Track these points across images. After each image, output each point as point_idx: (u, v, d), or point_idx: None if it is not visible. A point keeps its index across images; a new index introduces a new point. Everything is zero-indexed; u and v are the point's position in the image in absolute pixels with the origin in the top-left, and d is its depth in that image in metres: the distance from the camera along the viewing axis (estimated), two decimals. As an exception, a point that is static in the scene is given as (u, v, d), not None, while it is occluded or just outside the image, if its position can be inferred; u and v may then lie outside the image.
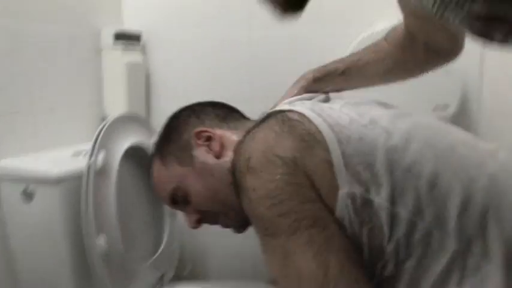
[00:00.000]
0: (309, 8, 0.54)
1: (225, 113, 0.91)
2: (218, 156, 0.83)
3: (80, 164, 1.04)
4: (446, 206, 0.63)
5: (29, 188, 1.01)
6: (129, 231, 1.15)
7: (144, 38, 1.48)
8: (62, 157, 1.14)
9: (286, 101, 0.86)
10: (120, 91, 1.40)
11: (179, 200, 0.87)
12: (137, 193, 1.23)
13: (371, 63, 0.89)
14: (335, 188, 0.64)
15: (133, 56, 1.43)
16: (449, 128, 0.76)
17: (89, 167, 1.00)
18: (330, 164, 0.65)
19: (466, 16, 0.43)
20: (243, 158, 0.69)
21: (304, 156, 0.66)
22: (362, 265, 0.64)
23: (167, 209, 1.29)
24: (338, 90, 0.91)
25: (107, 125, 1.07)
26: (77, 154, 1.17)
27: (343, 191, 0.64)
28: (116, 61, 1.39)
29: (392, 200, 0.63)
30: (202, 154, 0.84)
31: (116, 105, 1.41)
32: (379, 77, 0.91)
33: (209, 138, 0.84)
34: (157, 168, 0.89)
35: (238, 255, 1.52)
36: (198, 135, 0.85)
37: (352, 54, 0.93)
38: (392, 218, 0.63)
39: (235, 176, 0.70)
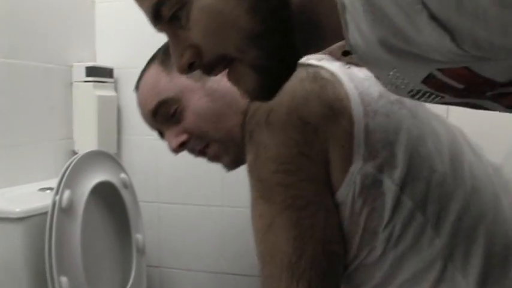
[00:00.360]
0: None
1: None
2: None
3: (45, 201, 1.02)
4: (448, 208, 0.63)
5: (-10, 226, 0.99)
6: (95, 270, 1.12)
7: (116, 73, 1.48)
8: (28, 194, 1.13)
9: (309, 56, 0.78)
10: (90, 125, 1.39)
11: (169, 114, 0.81)
12: (104, 229, 1.21)
13: None
14: (348, 162, 0.63)
15: (105, 90, 1.43)
16: (459, 131, 0.75)
17: (53, 205, 0.99)
18: (350, 136, 0.63)
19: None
20: (264, 107, 0.65)
21: (327, 124, 0.63)
22: (337, 259, 0.64)
23: (135, 245, 1.27)
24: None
25: (73, 162, 1.06)
26: (43, 190, 1.15)
27: (355, 167, 0.62)
28: (87, 94, 1.38)
29: (403, 186, 0.62)
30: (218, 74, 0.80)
31: (86, 139, 1.40)
32: None
33: None
34: (156, 73, 0.83)
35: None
36: None
37: None
38: (397, 203, 0.62)
39: (250, 120, 0.66)
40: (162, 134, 0.89)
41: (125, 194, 1.24)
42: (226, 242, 1.45)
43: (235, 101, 0.77)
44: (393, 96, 0.69)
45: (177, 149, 0.83)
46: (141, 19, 1.65)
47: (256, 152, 0.65)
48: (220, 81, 0.78)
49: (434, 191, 0.63)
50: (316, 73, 0.68)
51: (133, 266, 1.27)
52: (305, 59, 0.76)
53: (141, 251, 1.30)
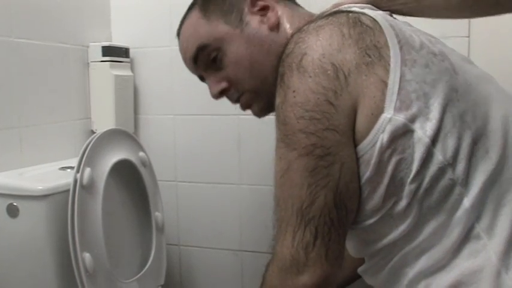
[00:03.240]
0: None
1: None
2: (272, 28, 0.78)
3: (67, 179, 1.03)
4: (478, 168, 0.63)
5: (13, 203, 1.00)
6: (116, 247, 1.14)
7: (132, 53, 1.48)
8: (49, 172, 1.14)
9: (351, 4, 0.76)
10: (108, 105, 1.40)
11: (209, 60, 0.82)
12: (124, 207, 1.23)
13: None
14: (379, 110, 0.62)
15: (122, 70, 1.43)
16: (506, 94, 0.73)
17: (75, 183, 1.00)
18: (384, 84, 0.62)
19: None
20: (298, 50, 0.65)
21: (360, 72, 0.62)
22: (346, 214, 0.65)
23: (155, 223, 1.28)
24: (404, 14, 0.79)
25: (93, 140, 1.06)
26: (63, 169, 1.16)
27: (386, 115, 0.61)
28: (104, 74, 1.39)
29: (435, 139, 0.61)
30: (255, 22, 0.79)
31: (104, 119, 1.41)
32: (456, 2, 0.74)
33: (265, 8, 0.79)
34: (196, 19, 0.83)
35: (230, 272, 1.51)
36: (254, 1, 0.80)
37: None
38: (427, 156, 0.61)
39: (283, 63, 0.66)
40: (203, 79, 0.90)
41: (143, 172, 1.25)
42: (244, 220, 1.46)
43: (273, 48, 0.77)
44: (436, 48, 0.68)
45: (218, 95, 0.85)
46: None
47: (285, 95, 0.65)
48: (259, 29, 0.79)
49: (466, 149, 0.62)
50: (357, 19, 0.67)
51: (153, 244, 1.29)
52: (348, 6, 0.75)
53: (161, 229, 1.31)
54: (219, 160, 1.45)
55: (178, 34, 0.88)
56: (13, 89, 1.13)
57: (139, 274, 1.21)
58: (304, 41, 0.65)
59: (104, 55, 1.38)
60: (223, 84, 0.84)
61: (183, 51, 0.86)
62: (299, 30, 0.69)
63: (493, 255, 0.61)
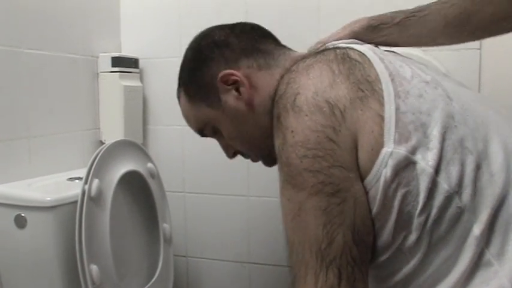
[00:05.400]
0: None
1: (252, 43, 0.82)
2: (249, 102, 0.79)
3: (75, 190, 1.03)
4: (484, 193, 0.61)
5: (21, 214, 1.00)
6: (123, 258, 1.13)
7: (141, 63, 1.48)
8: (57, 183, 1.14)
9: (336, 42, 0.77)
10: (117, 115, 1.40)
11: (211, 133, 0.87)
12: (132, 219, 1.22)
13: (433, 13, 0.78)
14: (379, 145, 0.61)
15: (131, 80, 1.43)
16: (504, 116, 0.72)
17: (83, 194, 0.99)
18: (380, 118, 0.61)
19: None
20: (291, 90, 0.65)
21: (355, 107, 0.62)
22: (366, 249, 0.63)
23: (162, 234, 1.28)
24: (389, 45, 0.80)
25: (101, 151, 1.06)
26: (71, 180, 1.16)
27: (387, 149, 0.61)
28: (113, 85, 1.39)
29: (438, 168, 0.60)
30: (231, 100, 0.80)
31: (113, 129, 1.41)
32: (438, 32, 0.79)
33: (236, 82, 0.79)
34: (184, 104, 0.87)
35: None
36: (225, 78, 0.80)
37: (417, 7, 0.80)
38: (433, 186, 0.60)
39: (277, 104, 0.66)
40: None
41: (152, 183, 1.24)
42: (252, 232, 1.45)
43: (257, 120, 0.79)
44: (428, 76, 0.68)
45: (231, 158, 0.91)
46: (165, 10, 1.67)
47: (284, 137, 0.64)
48: (237, 106, 0.80)
49: (471, 174, 0.61)
50: (345, 54, 0.67)
51: (161, 256, 1.28)
52: (333, 44, 0.76)
53: (168, 241, 1.31)
54: (228, 171, 1.45)
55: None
56: (22, 99, 1.14)
57: (147, 286, 1.20)
58: (295, 81, 0.66)
59: (113, 65, 1.39)
60: (232, 150, 0.89)
61: (185, 120, 0.91)
62: (288, 70, 0.70)
63: (506, 281, 0.59)
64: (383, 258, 0.66)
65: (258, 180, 1.42)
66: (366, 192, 0.63)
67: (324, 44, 0.80)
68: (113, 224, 1.06)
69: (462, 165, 0.61)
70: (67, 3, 1.29)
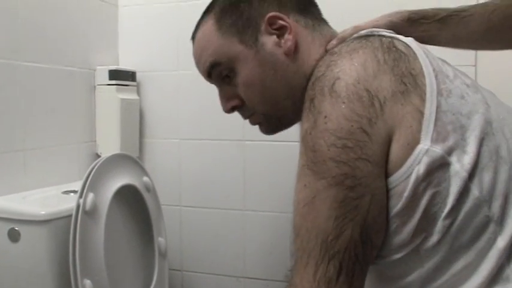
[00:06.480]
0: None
1: (305, 2, 0.79)
2: (287, 53, 0.74)
3: (69, 204, 1.03)
4: None
5: (15, 228, 1.00)
6: (117, 273, 1.12)
7: (138, 77, 1.49)
8: (52, 196, 1.13)
9: (376, 29, 0.73)
10: (113, 128, 1.40)
11: (220, 77, 0.79)
12: (127, 233, 1.21)
13: (476, 15, 0.75)
14: (415, 141, 0.59)
15: (128, 93, 1.43)
16: None
17: (77, 209, 0.99)
18: (420, 114, 0.59)
19: None
20: (331, 74, 0.62)
21: (397, 101, 0.60)
22: (371, 248, 0.62)
23: (157, 248, 1.27)
24: (425, 41, 0.75)
25: (97, 165, 1.06)
26: (66, 193, 1.16)
27: (423, 146, 0.58)
28: (110, 98, 1.39)
29: (472, 173, 0.59)
30: (270, 44, 0.75)
31: (109, 142, 1.41)
32: (479, 35, 0.76)
33: (283, 28, 0.75)
34: (210, 30, 0.78)
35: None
36: (272, 20, 0.75)
37: (460, 6, 0.78)
38: (464, 190, 0.58)
39: (313, 86, 0.63)
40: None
41: (147, 197, 1.24)
42: (248, 246, 1.44)
43: (287, 75, 0.75)
44: (468, 80, 0.66)
45: (229, 111, 0.83)
46: (163, 23, 1.67)
47: (315, 120, 0.61)
48: (274, 52, 0.75)
49: (503, 184, 0.60)
50: (391, 43, 0.65)
51: (156, 270, 1.27)
52: (377, 31, 0.73)
53: (163, 255, 1.30)
54: (224, 185, 1.44)
55: (193, 38, 0.85)
56: (19, 112, 1.14)
57: (141, 301, 1.19)
58: (337, 65, 0.63)
59: (110, 78, 1.39)
60: (235, 102, 0.81)
61: (196, 59, 0.83)
62: (330, 53, 0.67)
63: None
64: (397, 256, 0.63)
65: (253, 194, 1.42)
66: (391, 189, 0.61)
67: (362, 29, 0.75)
68: (108, 238, 1.06)
69: (496, 174, 0.60)
70: (65, 16, 1.29)
